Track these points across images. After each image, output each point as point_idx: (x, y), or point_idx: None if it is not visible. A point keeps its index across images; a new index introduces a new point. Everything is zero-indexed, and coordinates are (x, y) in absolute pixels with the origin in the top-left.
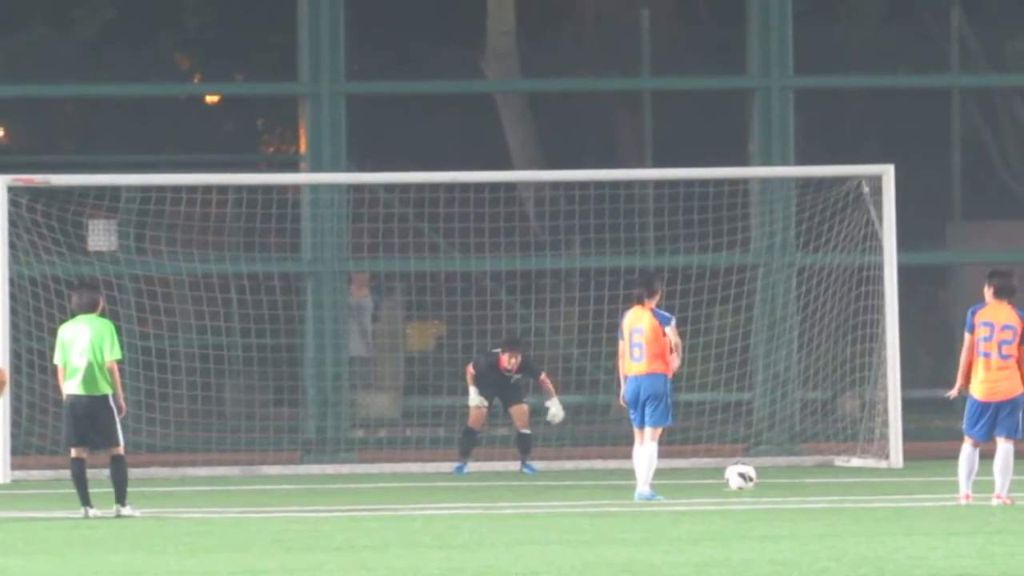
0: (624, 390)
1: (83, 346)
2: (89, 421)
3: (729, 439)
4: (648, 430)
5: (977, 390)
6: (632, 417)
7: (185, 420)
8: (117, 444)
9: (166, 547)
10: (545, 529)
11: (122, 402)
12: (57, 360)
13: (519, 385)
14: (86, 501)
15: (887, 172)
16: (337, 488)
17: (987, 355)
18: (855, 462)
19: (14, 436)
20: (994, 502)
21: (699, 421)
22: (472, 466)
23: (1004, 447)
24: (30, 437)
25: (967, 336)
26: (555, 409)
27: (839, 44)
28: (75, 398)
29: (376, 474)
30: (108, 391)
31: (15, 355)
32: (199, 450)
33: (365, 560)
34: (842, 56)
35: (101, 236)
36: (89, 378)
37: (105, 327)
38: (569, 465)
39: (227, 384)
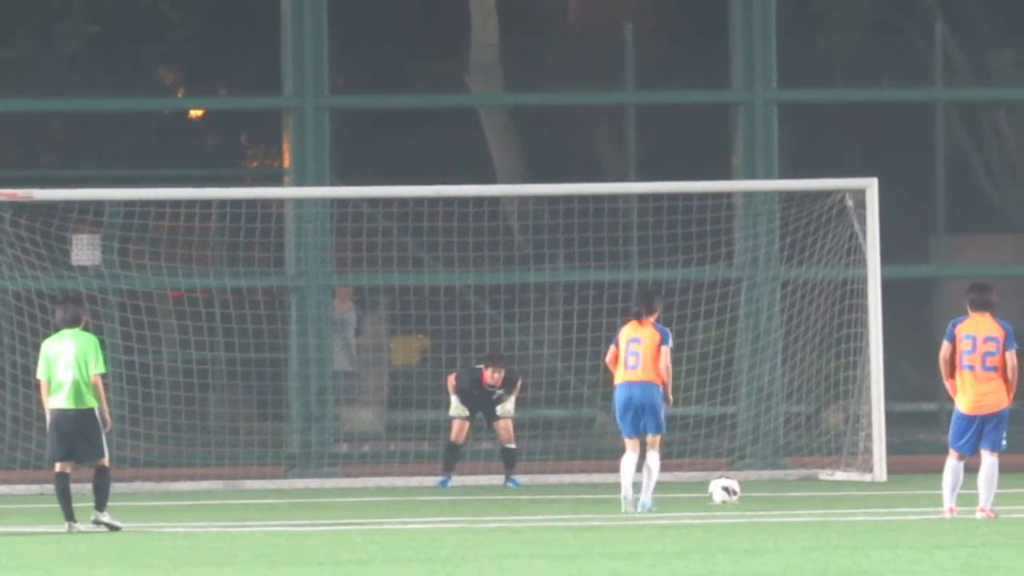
0: (615, 397)
1: (68, 360)
2: (76, 435)
3: (713, 453)
4: (650, 438)
5: (962, 403)
6: (620, 426)
7: (169, 434)
8: (103, 456)
9: (150, 561)
10: (529, 543)
11: (107, 416)
12: (41, 375)
13: (502, 400)
14: (70, 516)
15: (871, 186)
16: (321, 502)
17: (971, 368)
18: (839, 475)
19: None
20: (978, 515)
21: (683, 435)
22: (456, 480)
23: (989, 460)
24: (14, 452)
25: (945, 344)
26: (509, 405)
27: (823, 58)
28: (61, 412)
29: (360, 488)
30: (94, 405)
31: None
32: (183, 464)
33: (349, 574)
34: (826, 70)
35: (85, 251)
36: (75, 392)
37: (89, 341)
38: (553, 479)
39: (211, 398)
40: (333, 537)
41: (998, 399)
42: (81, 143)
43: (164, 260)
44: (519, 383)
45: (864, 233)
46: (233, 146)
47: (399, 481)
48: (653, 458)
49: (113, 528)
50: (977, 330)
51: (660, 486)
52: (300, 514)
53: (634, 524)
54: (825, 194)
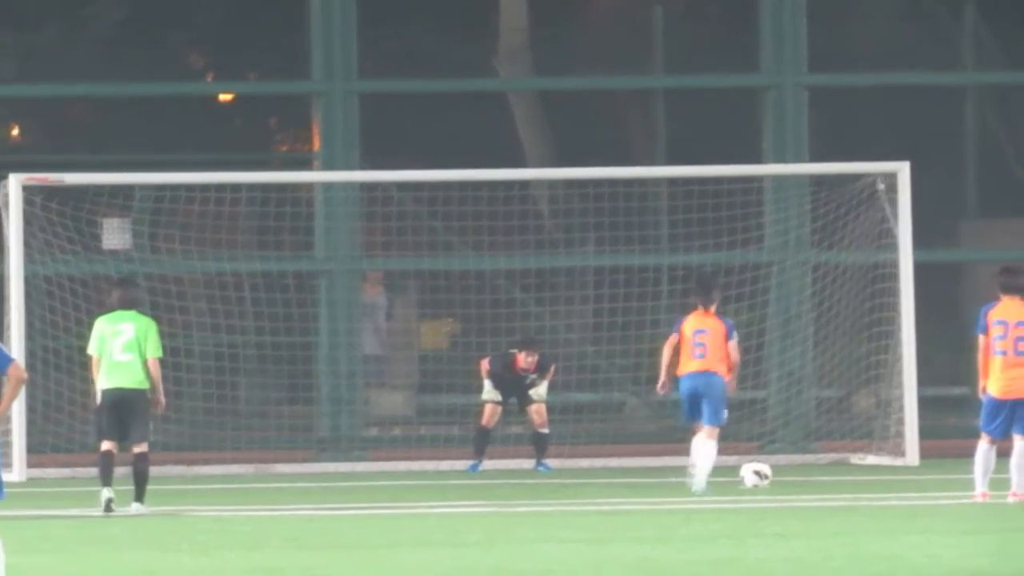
0: (679, 388)
1: (127, 340)
2: (129, 415)
3: (744, 437)
4: (707, 428)
5: (994, 387)
6: (685, 414)
7: (199, 418)
8: (146, 440)
9: (180, 545)
10: (559, 527)
11: (161, 398)
12: (92, 351)
13: (535, 384)
14: (107, 483)
15: (902, 169)
16: (351, 486)
17: (1003, 353)
18: (870, 460)
19: (29, 435)
20: (1011, 500)
21: None
22: (486, 464)
23: (1021, 444)
24: (44, 435)
25: (980, 337)
26: (542, 390)
27: (853, 41)
28: (116, 391)
29: (390, 472)
30: (147, 386)
31: (30, 354)
32: (213, 448)
33: (378, 558)
34: (856, 53)
35: (115, 235)
36: (132, 373)
37: (149, 325)
38: (583, 463)
39: (241, 382)
40: (363, 521)
41: None
42: (111, 128)
43: (194, 244)
44: (552, 368)
45: (895, 217)
46: (262, 130)
47: (429, 465)
48: (709, 447)
49: None
50: (1008, 315)
51: (689, 469)
52: (330, 498)
53: (664, 508)
54: (856, 178)
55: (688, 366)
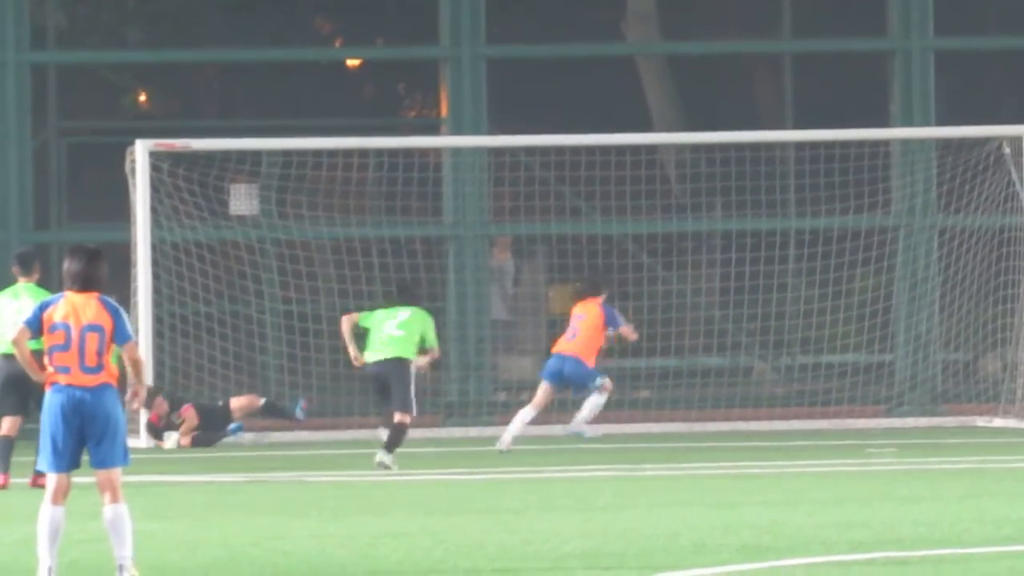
0: None
1: (402, 320)
2: (389, 384)
3: (871, 400)
4: None
5: None
6: None
7: (327, 384)
8: (407, 410)
9: (308, 511)
10: (686, 491)
11: (423, 362)
12: (361, 322)
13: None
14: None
15: None
16: (479, 451)
17: None
18: (997, 423)
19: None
20: None
21: (840, 383)
22: (612, 428)
23: None
24: None
25: None
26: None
27: (980, 5)
28: (381, 363)
29: (517, 437)
30: (411, 356)
31: (158, 320)
32: (341, 414)
33: (507, 523)
34: (983, 17)
35: (243, 201)
36: (400, 347)
37: (425, 318)
38: (711, 427)
39: None
40: (491, 486)
41: None
42: (239, 93)
43: (322, 210)
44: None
45: (1021, 180)
46: (390, 96)
47: (557, 429)
48: None
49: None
50: None
51: (818, 434)
52: (458, 463)
53: (792, 471)
54: (982, 142)
55: None
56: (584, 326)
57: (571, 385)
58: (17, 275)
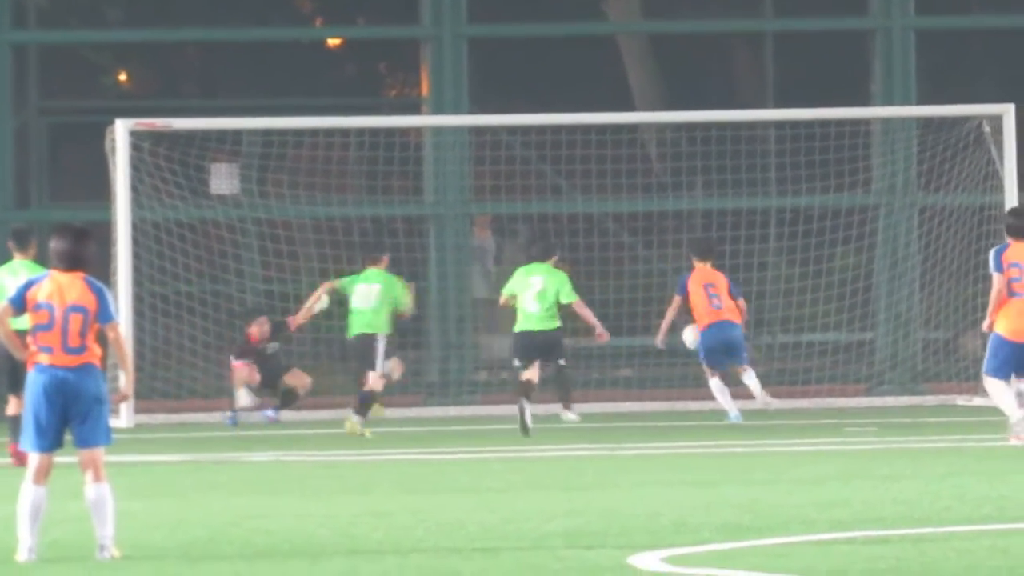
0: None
1: (540, 290)
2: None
3: (851, 379)
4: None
5: (1006, 329)
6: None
7: (308, 364)
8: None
9: (290, 489)
10: (668, 470)
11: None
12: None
13: None
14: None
15: (1008, 112)
16: (460, 430)
17: (1020, 295)
18: (977, 401)
19: (136, 381)
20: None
21: (821, 361)
22: (593, 407)
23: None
24: (153, 381)
25: (996, 276)
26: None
27: None
28: (528, 334)
29: (499, 416)
30: (558, 325)
31: (138, 299)
32: (322, 393)
33: (488, 502)
34: None
35: (223, 180)
36: (545, 317)
37: (560, 277)
38: (692, 406)
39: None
40: (473, 465)
41: None
42: (219, 72)
43: (303, 189)
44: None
45: (1001, 159)
46: (371, 75)
47: (539, 408)
48: None
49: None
50: (1021, 257)
51: (798, 413)
52: (440, 442)
53: (772, 450)
54: (962, 120)
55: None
56: (721, 292)
57: (731, 352)
58: (13, 251)
